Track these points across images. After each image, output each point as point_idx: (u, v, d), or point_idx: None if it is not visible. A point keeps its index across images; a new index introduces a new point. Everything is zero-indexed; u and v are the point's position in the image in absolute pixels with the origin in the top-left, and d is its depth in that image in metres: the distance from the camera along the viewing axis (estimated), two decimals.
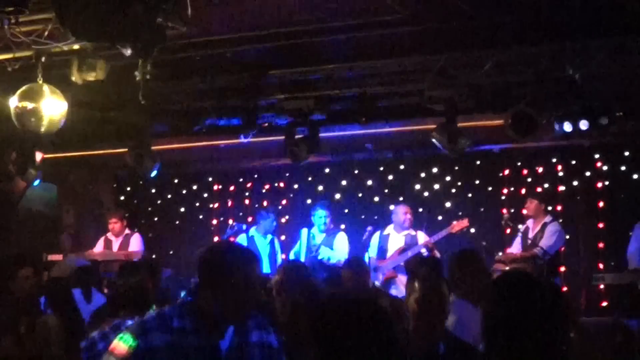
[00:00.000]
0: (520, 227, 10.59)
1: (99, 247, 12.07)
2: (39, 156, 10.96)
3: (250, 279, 3.64)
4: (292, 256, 11.21)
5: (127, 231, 12.18)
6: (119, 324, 4.82)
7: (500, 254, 10.41)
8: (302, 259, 10.84)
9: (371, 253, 10.84)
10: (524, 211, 10.71)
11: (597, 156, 11.77)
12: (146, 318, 3.72)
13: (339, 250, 10.85)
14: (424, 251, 10.39)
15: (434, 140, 9.31)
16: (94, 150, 12.25)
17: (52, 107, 7.83)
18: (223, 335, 3.63)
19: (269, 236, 11.61)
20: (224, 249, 3.88)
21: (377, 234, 11.05)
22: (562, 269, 11.32)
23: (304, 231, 11.15)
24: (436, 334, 4.55)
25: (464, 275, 6.41)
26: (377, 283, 10.00)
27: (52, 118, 7.85)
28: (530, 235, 10.20)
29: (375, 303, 3.16)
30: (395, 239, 10.83)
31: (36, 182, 11.40)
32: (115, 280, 6.39)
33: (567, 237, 11.47)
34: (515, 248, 10.39)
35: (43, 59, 7.76)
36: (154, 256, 12.85)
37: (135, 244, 11.95)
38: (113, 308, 5.56)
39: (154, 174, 10.79)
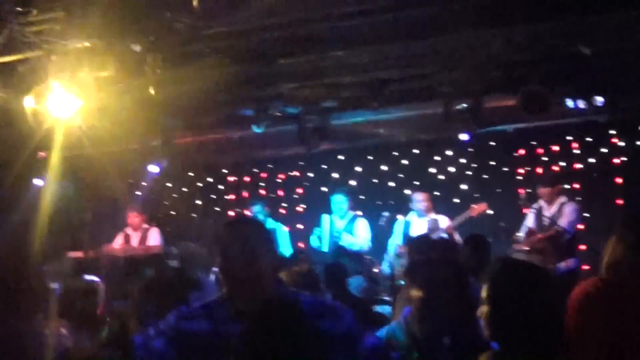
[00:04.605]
0: (534, 206, 10.55)
1: (118, 242, 12.14)
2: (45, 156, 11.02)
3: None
4: (313, 243, 11.26)
5: (145, 225, 12.26)
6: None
7: (520, 234, 10.36)
8: (325, 246, 10.88)
9: (396, 240, 10.86)
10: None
11: (612, 132, 11.71)
12: (193, 306, 3.75)
13: (360, 236, 10.88)
14: (444, 236, 10.40)
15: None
16: (108, 147, 12.28)
17: (66, 106, 7.87)
18: None
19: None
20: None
21: (401, 221, 11.09)
22: (583, 247, 11.29)
23: (325, 217, 11.17)
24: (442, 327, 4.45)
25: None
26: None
27: (67, 117, 7.90)
28: (547, 214, 10.14)
29: None
30: (418, 224, 10.85)
31: (49, 182, 11.46)
32: None
33: (587, 215, 11.43)
34: (527, 228, 10.34)
35: (53, 58, 7.79)
36: (172, 249, 12.88)
37: (154, 237, 12.02)
38: None
39: (156, 169, 10.85)
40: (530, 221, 10.35)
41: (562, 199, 10.26)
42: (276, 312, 3.50)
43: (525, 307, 3.27)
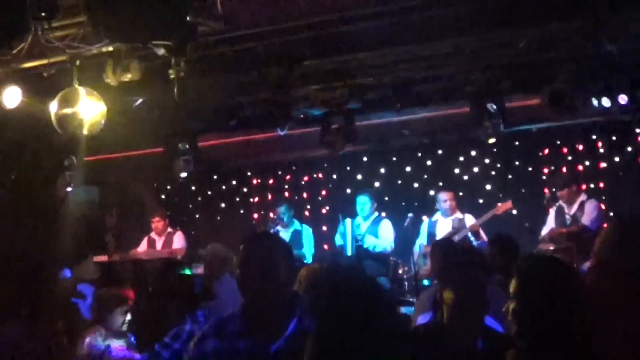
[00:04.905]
0: (554, 207, 10.47)
1: (143, 246, 12.18)
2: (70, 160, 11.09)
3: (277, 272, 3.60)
4: (337, 242, 11.29)
5: (169, 229, 12.28)
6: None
7: (543, 232, 10.31)
8: (348, 249, 10.87)
9: (421, 240, 10.86)
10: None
11: (638, 131, 11.62)
12: (208, 325, 3.77)
13: (384, 238, 10.87)
14: (470, 235, 10.39)
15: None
16: (133, 151, 12.35)
17: (91, 110, 7.92)
18: (275, 338, 3.54)
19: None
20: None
21: (426, 221, 11.10)
22: None
23: (348, 221, 11.15)
24: (473, 329, 4.42)
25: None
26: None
27: (92, 121, 7.94)
28: (569, 213, 10.09)
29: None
30: (443, 224, 10.84)
31: (76, 186, 11.54)
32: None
33: (612, 214, 11.34)
34: (549, 228, 10.29)
35: (78, 63, 7.83)
36: (197, 253, 12.90)
37: (178, 241, 12.05)
38: None
39: (184, 174, 10.87)
40: (551, 220, 10.30)
41: (582, 197, 10.21)
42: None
43: (554, 303, 3.25)
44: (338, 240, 11.22)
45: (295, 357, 3.41)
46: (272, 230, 11.64)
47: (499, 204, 10.58)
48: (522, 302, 3.33)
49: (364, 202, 11.12)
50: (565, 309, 3.25)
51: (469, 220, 10.66)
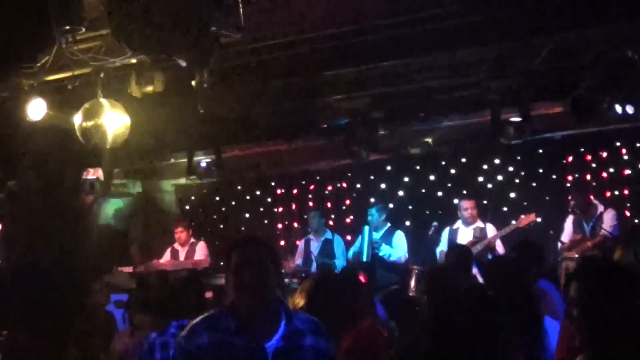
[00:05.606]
0: (569, 217, 10.41)
1: (166, 257, 12.21)
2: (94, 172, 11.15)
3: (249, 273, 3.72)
4: (351, 253, 11.32)
5: (192, 240, 12.30)
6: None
7: (563, 238, 10.25)
8: (365, 256, 10.90)
9: (442, 247, 10.84)
10: (591, 197, 10.55)
11: None
12: (196, 320, 3.85)
13: (398, 248, 10.91)
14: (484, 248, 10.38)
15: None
16: (157, 162, 12.39)
17: (115, 122, 7.98)
18: (270, 336, 3.70)
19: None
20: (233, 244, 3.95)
21: (447, 229, 11.07)
22: None
23: (367, 228, 11.19)
24: None
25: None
26: None
27: (115, 132, 8.00)
28: (587, 224, 10.05)
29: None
30: (464, 233, 10.81)
31: (100, 197, 11.61)
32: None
33: (637, 221, 11.26)
34: (568, 234, 10.25)
35: (102, 75, 7.89)
36: (221, 263, 12.93)
37: (201, 252, 12.07)
38: None
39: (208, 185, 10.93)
40: (569, 225, 10.27)
41: (600, 208, 10.17)
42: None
43: (623, 309, 3.19)
44: (355, 247, 11.27)
45: (288, 355, 3.71)
46: (303, 239, 11.71)
47: (522, 216, 10.51)
48: (592, 309, 3.25)
49: (372, 215, 11.19)
50: (633, 313, 3.19)
51: (490, 230, 10.64)
